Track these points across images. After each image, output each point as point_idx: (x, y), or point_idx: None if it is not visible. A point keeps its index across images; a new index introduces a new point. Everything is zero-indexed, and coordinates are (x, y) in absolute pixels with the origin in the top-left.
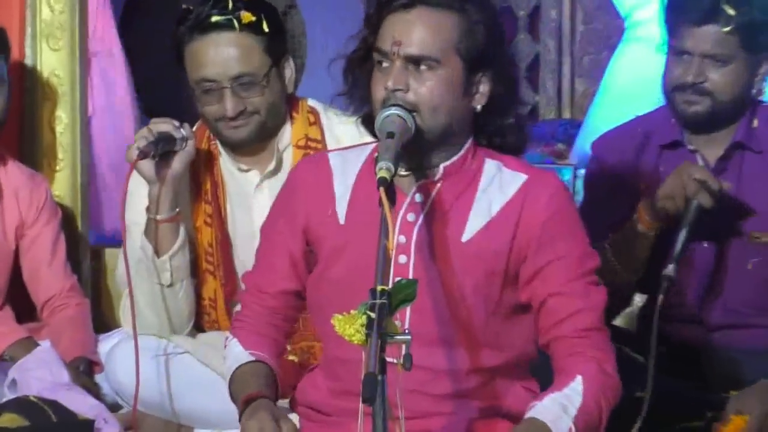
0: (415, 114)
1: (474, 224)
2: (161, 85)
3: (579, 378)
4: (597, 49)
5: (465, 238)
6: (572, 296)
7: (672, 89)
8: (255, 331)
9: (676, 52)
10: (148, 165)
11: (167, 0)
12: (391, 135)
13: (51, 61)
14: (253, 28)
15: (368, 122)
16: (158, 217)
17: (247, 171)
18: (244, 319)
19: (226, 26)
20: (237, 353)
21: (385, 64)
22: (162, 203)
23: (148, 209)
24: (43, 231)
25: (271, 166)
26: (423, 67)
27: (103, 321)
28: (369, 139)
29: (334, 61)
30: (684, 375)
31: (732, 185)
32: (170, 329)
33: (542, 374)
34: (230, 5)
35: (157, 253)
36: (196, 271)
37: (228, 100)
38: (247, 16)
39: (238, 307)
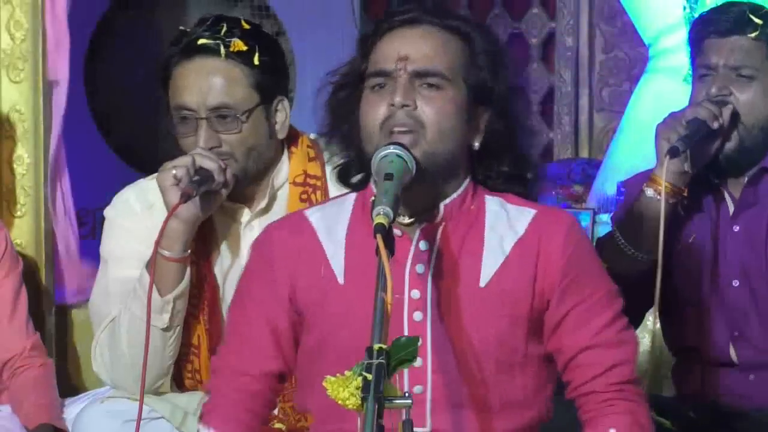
0: (420, 139)
1: (490, 265)
2: (132, 120)
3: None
4: (618, 81)
5: (483, 281)
6: (605, 348)
7: None
8: (233, 417)
9: (700, 73)
10: (190, 206)
11: (139, 29)
12: (389, 177)
13: (12, 94)
14: (242, 57)
15: (345, 175)
16: (168, 254)
17: (235, 207)
18: (215, 408)
19: (212, 51)
20: None
21: (384, 85)
22: (176, 241)
23: (158, 244)
24: (2, 284)
25: (263, 203)
26: (431, 84)
27: (70, 383)
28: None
29: (322, 90)
30: None
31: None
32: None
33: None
34: (224, 30)
35: (159, 292)
36: None
37: (202, 131)
38: (237, 44)
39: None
